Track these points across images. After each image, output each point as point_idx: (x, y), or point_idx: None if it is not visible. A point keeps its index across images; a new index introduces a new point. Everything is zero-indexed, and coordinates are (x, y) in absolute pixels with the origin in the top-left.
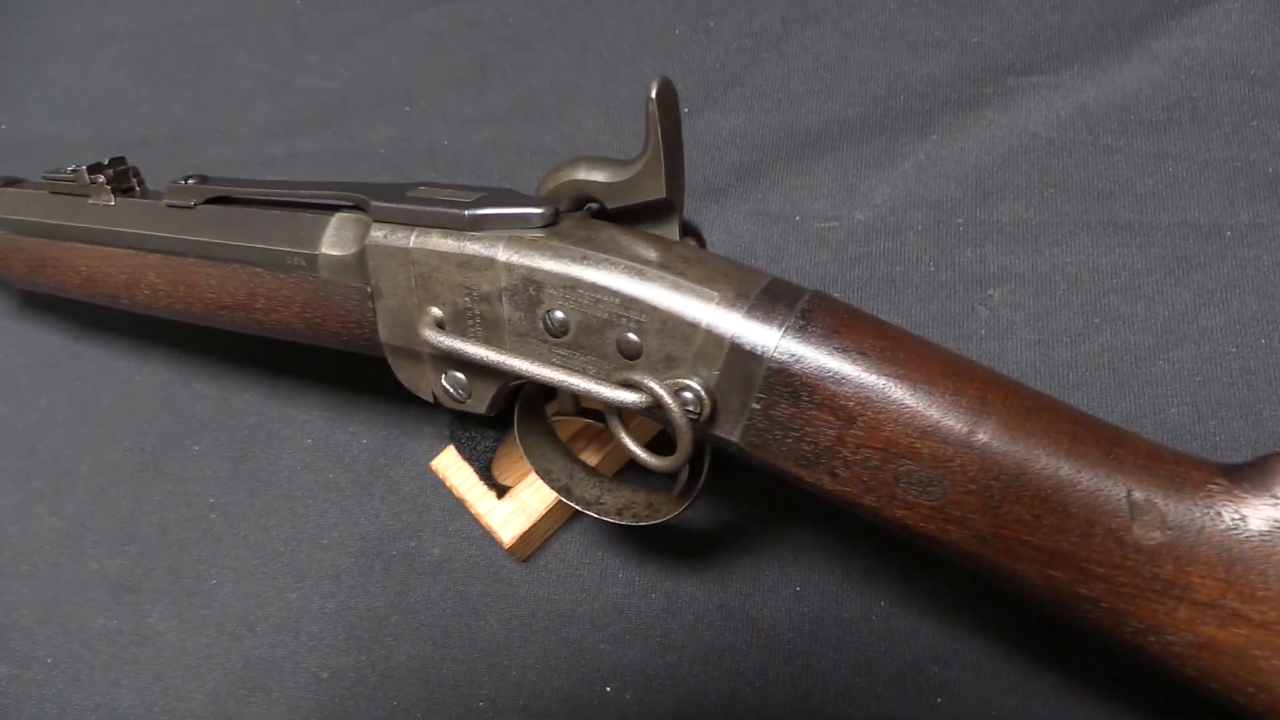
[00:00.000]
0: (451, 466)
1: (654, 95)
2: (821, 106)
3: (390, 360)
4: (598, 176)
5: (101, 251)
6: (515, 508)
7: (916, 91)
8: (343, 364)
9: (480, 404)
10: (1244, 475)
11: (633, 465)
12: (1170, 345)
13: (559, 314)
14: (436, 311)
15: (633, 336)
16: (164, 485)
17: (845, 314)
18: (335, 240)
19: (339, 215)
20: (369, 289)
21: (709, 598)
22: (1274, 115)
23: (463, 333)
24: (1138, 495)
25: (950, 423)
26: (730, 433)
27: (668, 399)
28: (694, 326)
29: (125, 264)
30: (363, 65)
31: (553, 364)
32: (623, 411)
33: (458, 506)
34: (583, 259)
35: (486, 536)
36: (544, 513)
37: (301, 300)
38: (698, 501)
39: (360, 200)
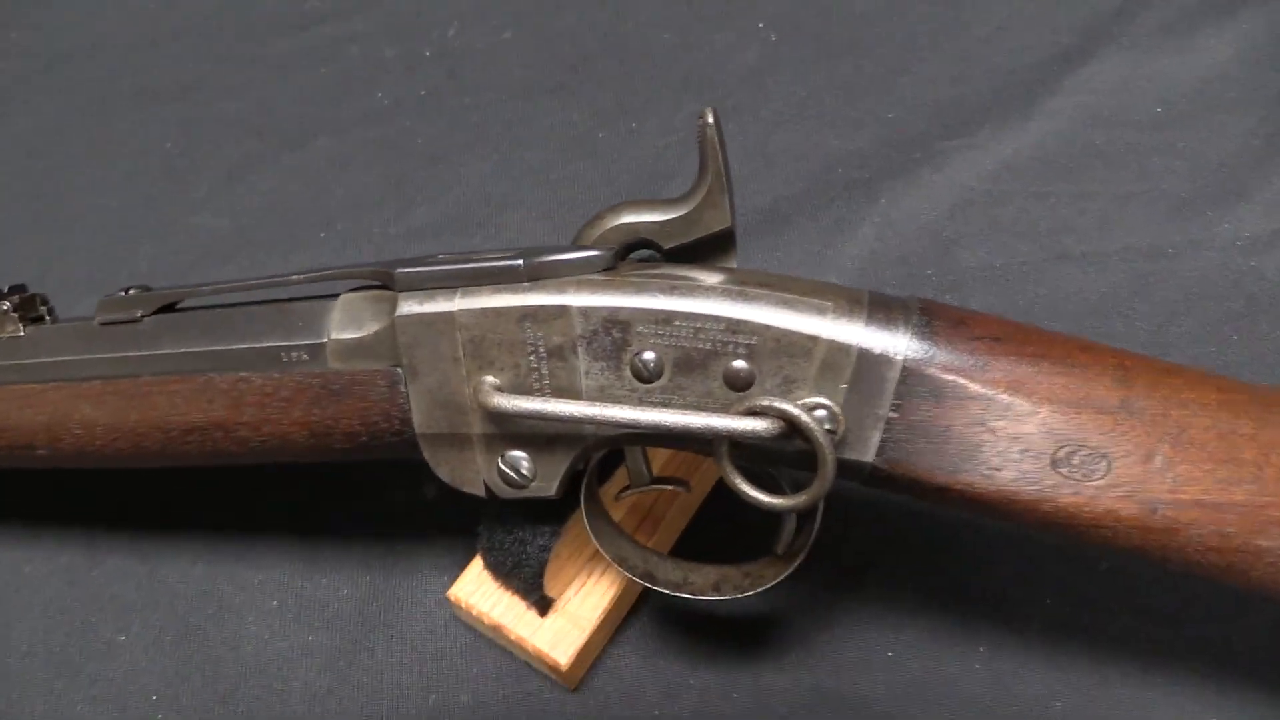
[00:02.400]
0: (476, 591)
1: (711, 120)
2: (764, 187)
3: (427, 454)
4: (650, 217)
5: (12, 391)
6: (565, 623)
7: (851, 164)
8: (297, 505)
9: (549, 484)
10: None
11: (687, 543)
12: (1158, 352)
13: (649, 355)
14: (493, 379)
15: (741, 364)
16: (84, 690)
17: (961, 309)
18: (346, 322)
19: (345, 296)
20: (399, 370)
21: (797, 684)
22: (1165, 151)
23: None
24: None
25: (1103, 392)
26: (863, 453)
27: (805, 418)
28: (814, 340)
29: (46, 402)
30: (259, 197)
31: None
32: (729, 453)
33: (480, 641)
34: (672, 289)
35: (522, 669)
36: (598, 623)
37: (306, 402)
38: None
39: (376, 274)
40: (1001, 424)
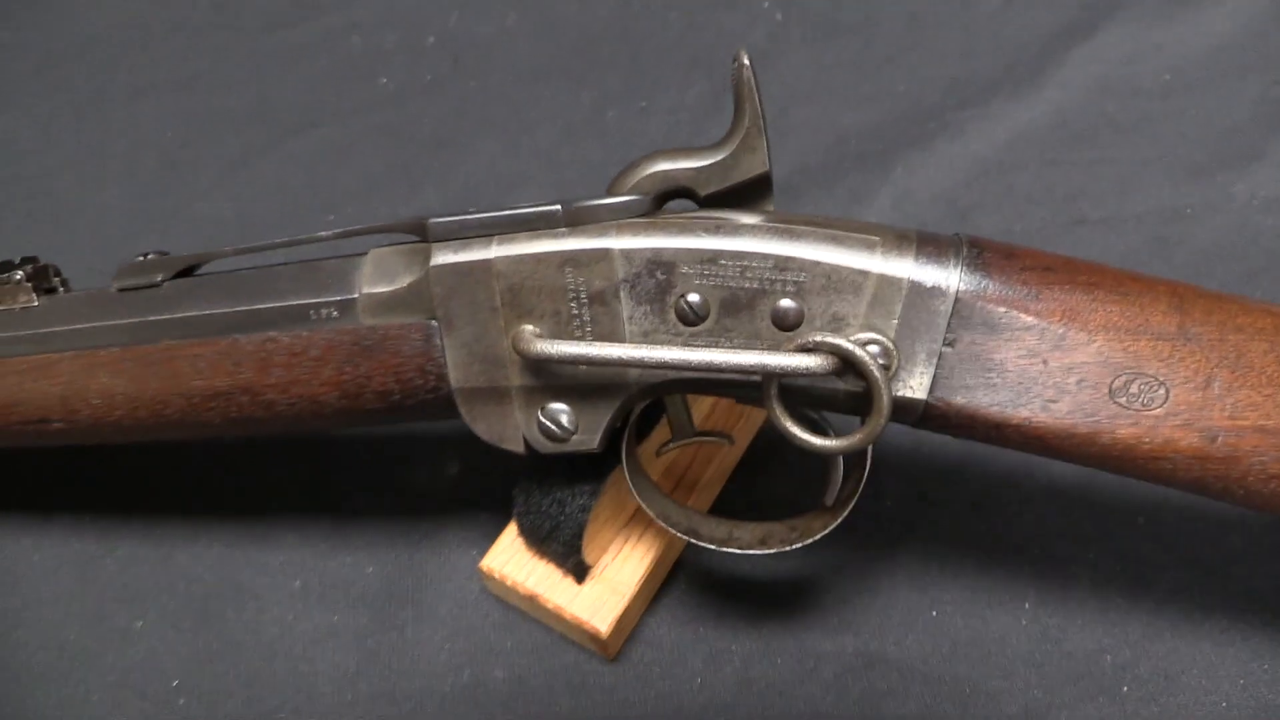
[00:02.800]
0: (509, 561)
1: (747, 63)
2: (780, 159)
3: (464, 410)
4: (686, 164)
5: (27, 362)
6: (603, 589)
7: (865, 136)
8: (317, 485)
9: (591, 437)
10: None
11: (720, 508)
12: None
13: (695, 296)
14: (532, 328)
15: (789, 303)
16: (103, 677)
17: (1010, 244)
18: (378, 276)
19: (375, 251)
20: (434, 323)
21: (842, 648)
22: (1177, 117)
23: None
24: None
25: (1159, 319)
26: (917, 389)
27: (859, 352)
28: (864, 275)
29: (62, 372)
30: (263, 184)
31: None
32: (779, 395)
33: (512, 614)
34: (717, 228)
35: (558, 642)
36: (637, 588)
37: (339, 360)
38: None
39: (409, 226)
40: (1057, 355)
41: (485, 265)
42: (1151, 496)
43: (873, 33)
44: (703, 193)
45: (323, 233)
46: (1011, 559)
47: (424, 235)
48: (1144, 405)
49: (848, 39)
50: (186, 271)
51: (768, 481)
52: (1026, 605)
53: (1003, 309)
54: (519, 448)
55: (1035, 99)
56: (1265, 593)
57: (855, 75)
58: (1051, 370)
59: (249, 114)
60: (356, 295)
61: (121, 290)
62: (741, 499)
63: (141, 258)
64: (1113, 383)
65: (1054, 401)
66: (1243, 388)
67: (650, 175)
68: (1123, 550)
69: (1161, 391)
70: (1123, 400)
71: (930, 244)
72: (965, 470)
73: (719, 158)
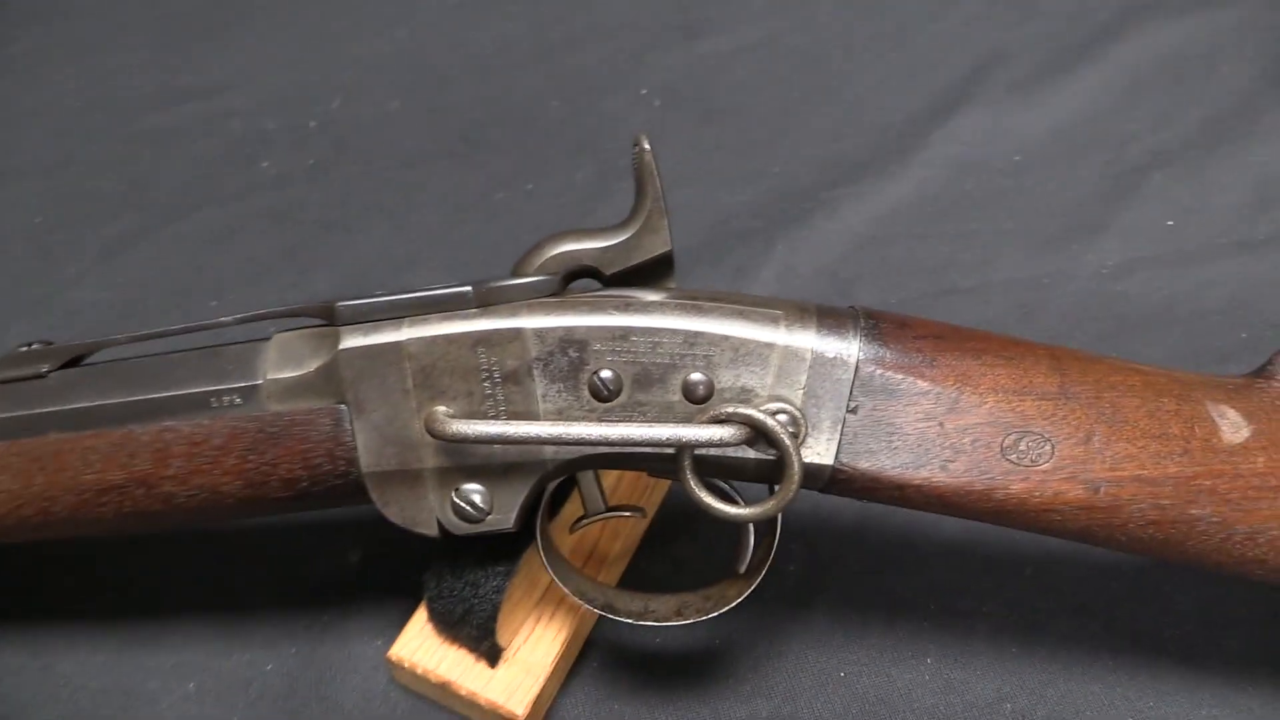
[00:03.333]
0: (419, 648)
1: (647, 145)
2: None
3: (375, 495)
4: (591, 244)
5: None
6: (518, 672)
7: (746, 214)
8: (209, 580)
9: (506, 516)
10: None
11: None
12: None
13: (607, 373)
14: (445, 409)
15: (699, 376)
16: None
17: (902, 314)
18: (283, 361)
19: (279, 336)
20: (343, 407)
21: (756, 712)
22: (1029, 193)
23: None
24: (1211, 402)
25: (1041, 380)
26: (824, 455)
27: (770, 421)
28: (769, 348)
29: None
30: (142, 270)
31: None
32: (692, 467)
33: (422, 705)
34: (626, 306)
35: None
36: (552, 668)
37: (242, 448)
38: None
39: (314, 310)
40: (952, 417)
41: (396, 347)
42: (1037, 548)
43: (747, 118)
44: (607, 272)
45: (223, 318)
46: (913, 616)
47: (331, 318)
48: (1033, 461)
49: (723, 124)
50: (74, 361)
51: (675, 551)
52: (929, 660)
53: (900, 375)
54: (432, 531)
55: (902, 177)
56: (1146, 633)
57: (733, 158)
58: (948, 432)
59: (124, 198)
60: (261, 381)
61: (3, 383)
62: (651, 570)
63: (24, 348)
64: (1004, 441)
65: (951, 461)
66: (1119, 440)
67: (556, 256)
68: (1014, 601)
69: (1048, 448)
70: (1013, 458)
71: (830, 316)
72: (863, 533)
73: (623, 238)
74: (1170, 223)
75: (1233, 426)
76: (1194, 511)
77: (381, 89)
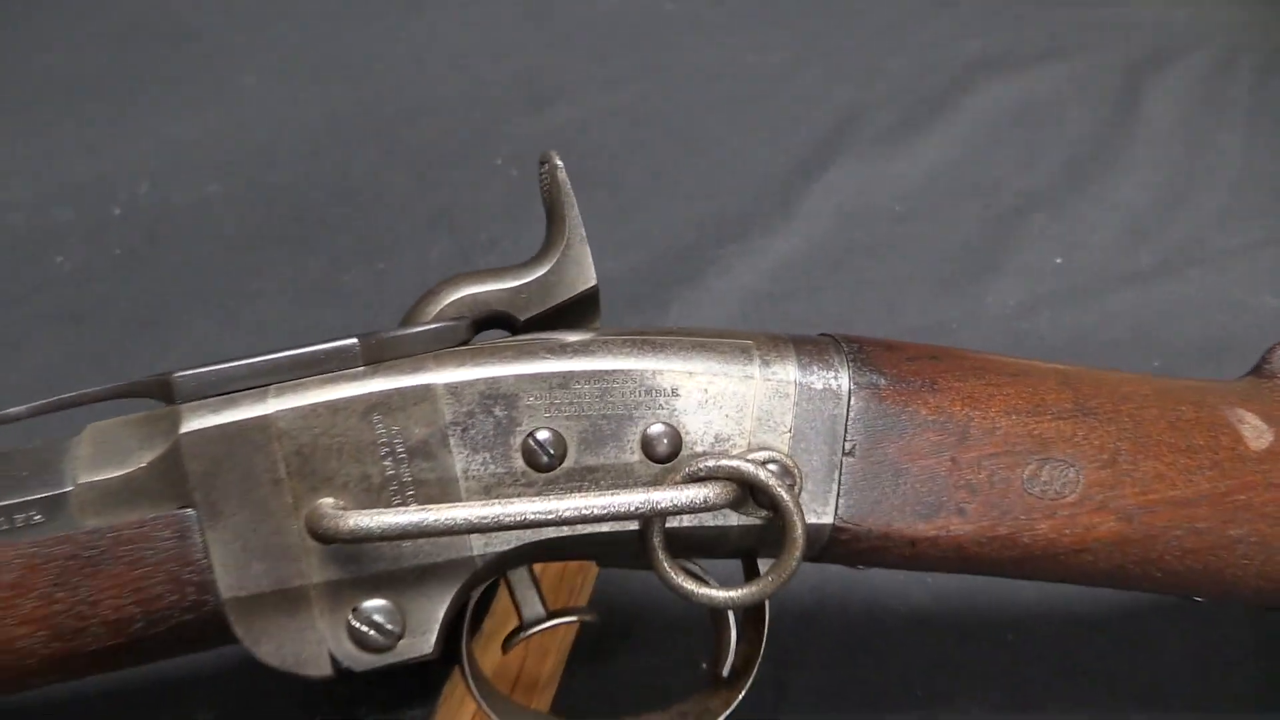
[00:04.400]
0: None
1: (559, 162)
2: None
3: (241, 629)
4: (498, 285)
5: None
6: None
7: (633, 279)
8: None
9: (424, 639)
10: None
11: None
12: None
13: (545, 433)
14: (332, 501)
15: (661, 427)
16: None
17: (883, 338)
18: (101, 459)
19: (93, 426)
20: (189, 513)
21: None
22: (917, 239)
23: None
24: (1226, 407)
25: (1053, 397)
26: (822, 512)
27: (761, 474)
28: (745, 384)
29: None
30: None
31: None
32: (663, 544)
33: None
34: (562, 348)
35: None
36: None
37: (47, 584)
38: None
39: (145, 387)
40: (964, 449)
41: (261, 425)
42: (1010, 608)
43: (614, 184)
44: (521, 318)
45: (12, 409)
46: (896, 709)
47: (168, 395)
48: (1058, 493)
49: (590, 191)
50: None
51: (615, 662)
52: None
53: (900, 405)
54: (324, 669)
55: (788, 230)
56: (1151, 689)
57: (607, 223)
58: (961, 467)
59: None
60: (70, 487)
61: None
62: (588, 690)
63: None
64: (1024, 472)
65: (968, 503)
66: (1146, 458)
67: (454, 303)
68: (1003, 672)
69: (1072, 473)
70: (1036, 491)
71: (809, 344)
72: (822, 614)
73: (538, 274)
74: (1059, 260)
75: (1255, 431)
76: (1232, 532)
77: (196, 171)
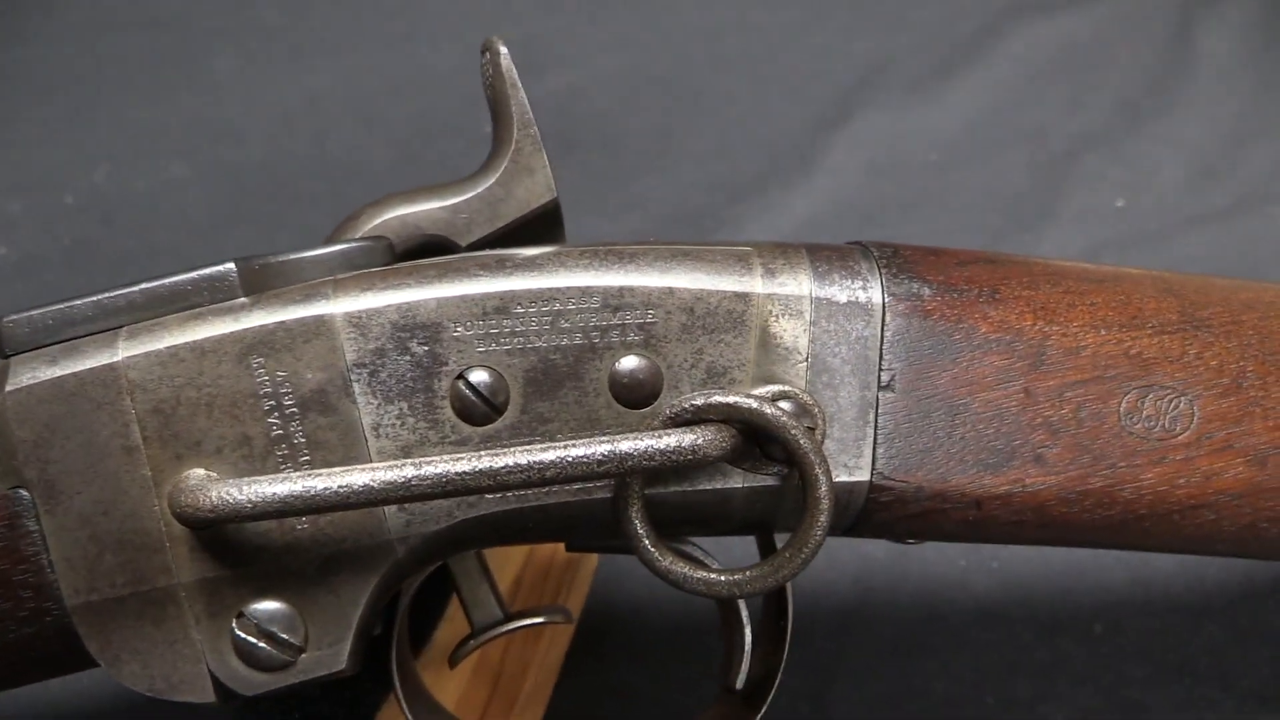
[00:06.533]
0: None
1: (503, 49)
2: None
3: (94, 643)
4: (433, 204)
5: None
6: None
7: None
8: None
9: (334, 650)
10: None
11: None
12: None
13: (481, 374)
14: (202, 473)
15: (635, 361)
16: None
17: (916, 245)
18: None
19: None
20: (22, 494)
21: None
22: (959, 190)
23: None
24: None
25: (1153, 305)
26: (854, 465)
27: (769, 411)
28: (743, 299)
29: None
30: None
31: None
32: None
33: None
34: (500, 264)
35: None
36: None
37: None
38: None
39: None
40: (1039, 376)
41: (107, 376)
42: (1095, 594)
43: (614, 148)
44: (463, 243)
45: None
46: (965, 718)
47: None
48: (1166, 430)
49: (588, 156)
50: None
51: (614, 673)
52: None
53: (952, 320)
54: (206, 694)
55: (809, 187)
56: (1270, 684)
57: (606, 188)
58: (1037, 401)
59: None
60: None
61: None
62: (582, 704)
63: None
64: (1121, 404)
65: (1048, 447)
66: (1279, 381)
67: (380, 226)
68: (1092, 673)
69: (1183, 404)
70: (1138, 428)
71: (826, 250)
72: (868, 605)
73: (481, 188)
74: (1120, 203)
75: None
76: None
77: (159, 153)
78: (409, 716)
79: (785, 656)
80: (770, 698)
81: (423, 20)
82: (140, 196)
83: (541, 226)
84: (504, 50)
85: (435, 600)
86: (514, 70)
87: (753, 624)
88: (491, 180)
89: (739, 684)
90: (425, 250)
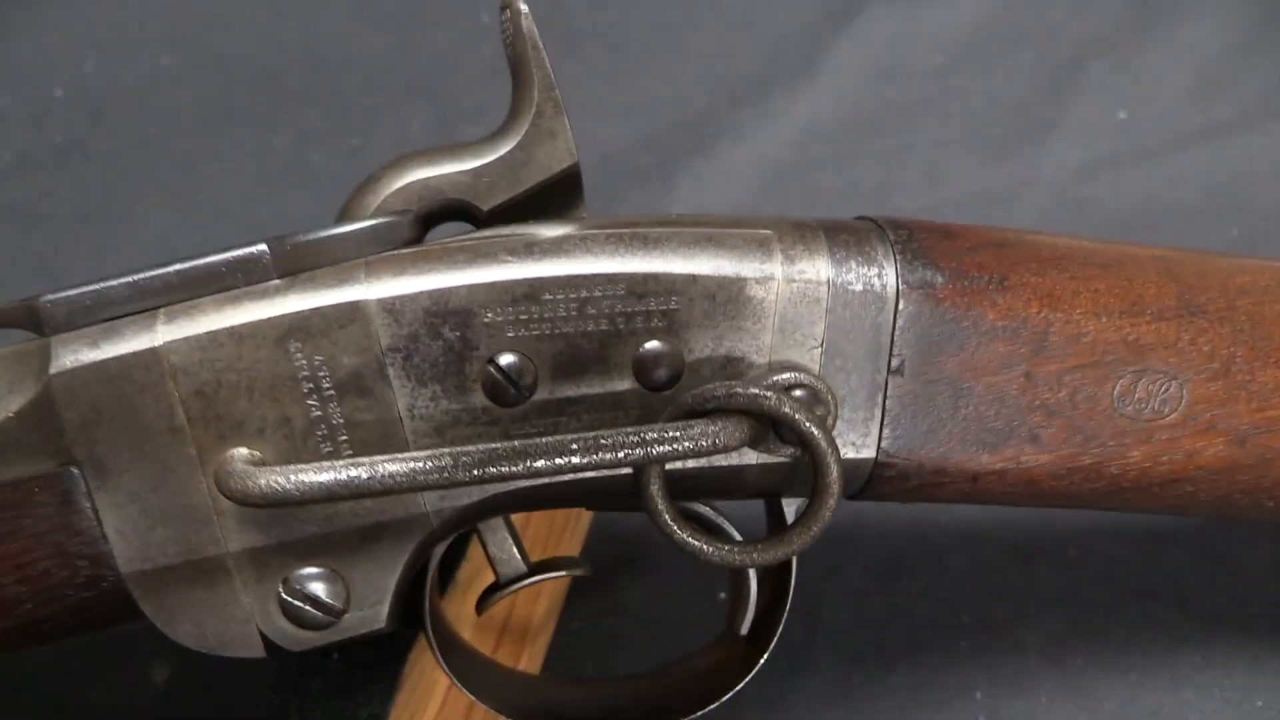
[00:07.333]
0: None
1: (524, 7)
2: None
3: (149, 607)
4: (454, 167)
5: None
6: None
7: (636, 149)
8: None
9: (374, 611)
10: None
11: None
12: None
13: (510, 358)
14: (246, 453)
15: (657, 345)
16: None
17: (937, 221)
18: None
19: None
20: (74, 471)
21: None
22: (960, 95)
23: None
24: None
25: (1153, 291)
26: (861, 445)
27: (785, 405)
28: (764, 286)
29: None
30: None
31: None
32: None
33: None
34: (529, 248)
35: None
36: None
37: None
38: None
39: (10, 315)
40: (1040, 361)
41: (149, 359)
42: (1071, 520)
43: (615, 43)
44: (485, 207)
45: None
46: (943, 637)
47: (36, 325)
48: (1155, 412)
49: (588, 51)
50: None
51: (616, 598)
52: (977, 694)
53: (962, 308)
54: (256, 649)
55: (813, 90)
56: (1227, 613)
57: (605, 87)
58: (1037, 385)
59: None
60: None
61: None
62: (587, 637)
63: None
64: (1115, 388)
65: (1044, 428)
66: (1266, 366)
67: (400, 191)
68: (1063, 595)
69: (1174, 387)
70: (1129, 410)
71: (844, 232)
72: (858, 531)
73: (502, 152)
74: (1123, 115)
75: None
76: None
77: (148, 42)
78: (442, 661)
79: (789, 602)
80: (774, 640)
81: None
82: (129, 90)
83: (561, 190)
84: (525, 9)
85: (457, 541)
86: (535, 30)
87: (757, 578)
88: (513, 144)
89: (744, 630)
90: (447, 213)
